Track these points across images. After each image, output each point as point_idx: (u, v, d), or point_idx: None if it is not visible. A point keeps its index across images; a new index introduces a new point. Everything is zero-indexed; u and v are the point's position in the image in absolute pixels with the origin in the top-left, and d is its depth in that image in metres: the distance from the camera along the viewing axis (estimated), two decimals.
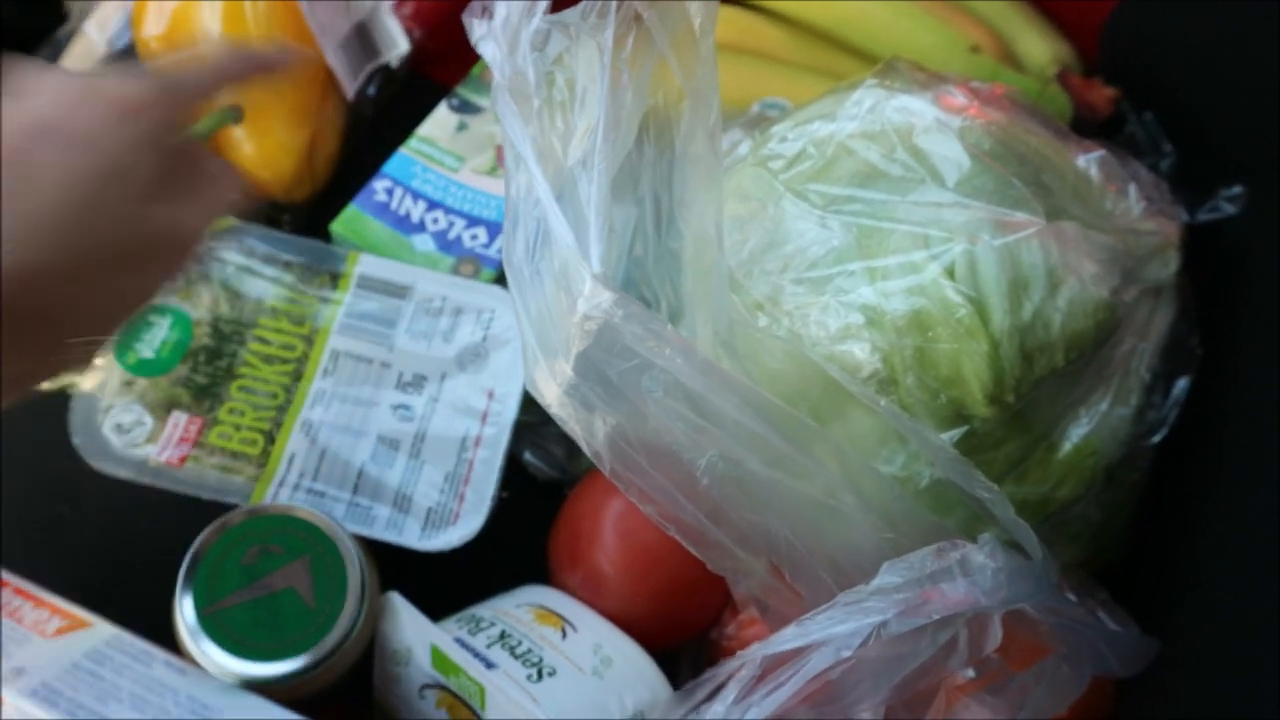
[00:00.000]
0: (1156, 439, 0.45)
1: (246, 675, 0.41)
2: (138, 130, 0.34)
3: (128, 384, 0.49)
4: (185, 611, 0.42)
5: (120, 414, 0.49)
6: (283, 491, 0.48)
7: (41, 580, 0.44)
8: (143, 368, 0.50)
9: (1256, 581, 0.39)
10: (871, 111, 0.43)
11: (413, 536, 0.47)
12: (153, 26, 0.56)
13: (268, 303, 0.52)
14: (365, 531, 0.47)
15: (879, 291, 0.39)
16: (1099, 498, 0.44)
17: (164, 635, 0.43)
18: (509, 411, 0.50)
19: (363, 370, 0.51)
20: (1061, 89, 0.57)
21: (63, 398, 0.49)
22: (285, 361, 0.51)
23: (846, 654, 0.28)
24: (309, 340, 0.51)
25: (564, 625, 0.44)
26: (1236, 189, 0.48)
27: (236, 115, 0.54)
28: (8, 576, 0.44)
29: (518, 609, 0.45)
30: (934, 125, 0.43)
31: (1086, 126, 0.55)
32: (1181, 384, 0.45)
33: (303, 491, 0.48)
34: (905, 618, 0.29)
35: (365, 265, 0.53)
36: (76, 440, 0.48)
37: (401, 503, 0.48)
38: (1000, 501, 0.33)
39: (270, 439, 0.49)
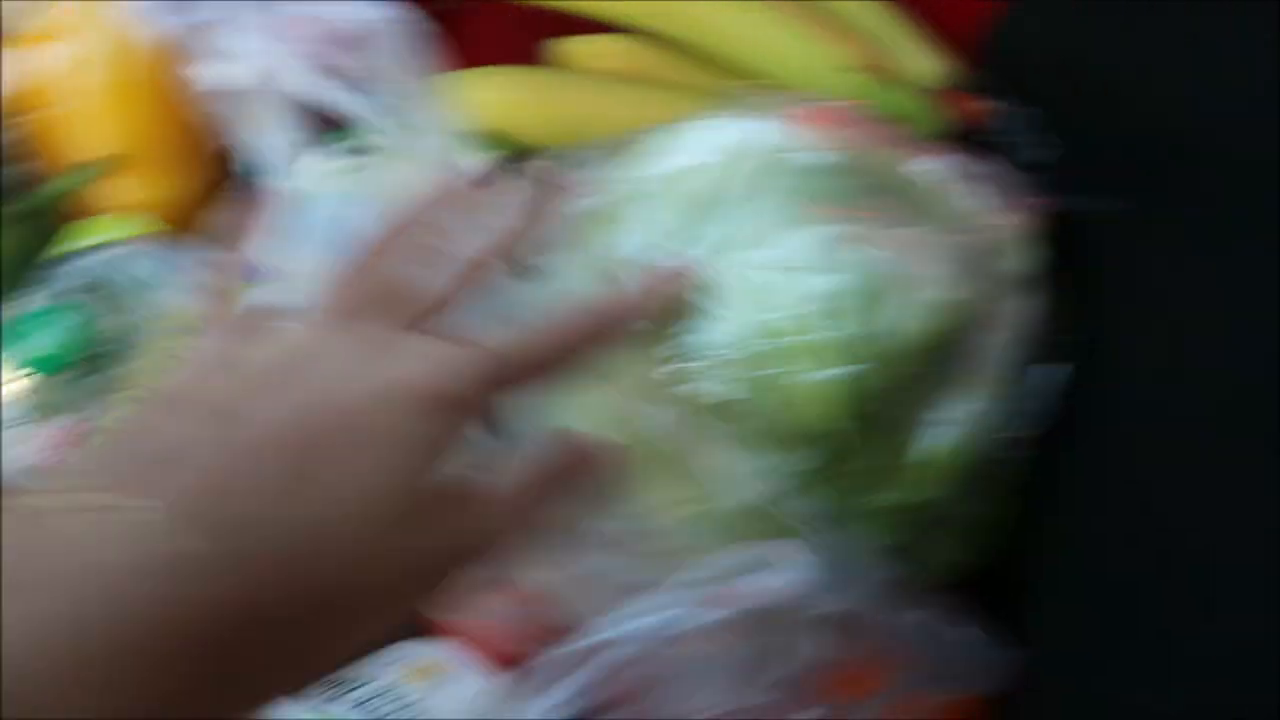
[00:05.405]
0: (1028, 431, 0.46)
1: None
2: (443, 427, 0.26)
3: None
4: None
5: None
6: None
7: None
8: (40, 364, 0.49)
9: (1137, 576, 0.40)
10: (714, 139, 0.43)
11: None
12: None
13: (173, 319, 0.51)
14: None
15: (729, 314, 0.40)
16: (978, 494, 0.45)
17: None
18: None
19: None
20: (938, 102, 0.58)
21: None
22: None
23: (634, 649, 0.28)
24: None
25: None
26: (1107, 184, 0.49)
27: (107, 169, 0.53)
28: None
29: None
30: (780, 146, 0.43)
31: (964, 136, 0.56)
32: (1050, 373, 0.46)
33: None
34: (703, 610, 0.29)
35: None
36: None
37: None
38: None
39: None
